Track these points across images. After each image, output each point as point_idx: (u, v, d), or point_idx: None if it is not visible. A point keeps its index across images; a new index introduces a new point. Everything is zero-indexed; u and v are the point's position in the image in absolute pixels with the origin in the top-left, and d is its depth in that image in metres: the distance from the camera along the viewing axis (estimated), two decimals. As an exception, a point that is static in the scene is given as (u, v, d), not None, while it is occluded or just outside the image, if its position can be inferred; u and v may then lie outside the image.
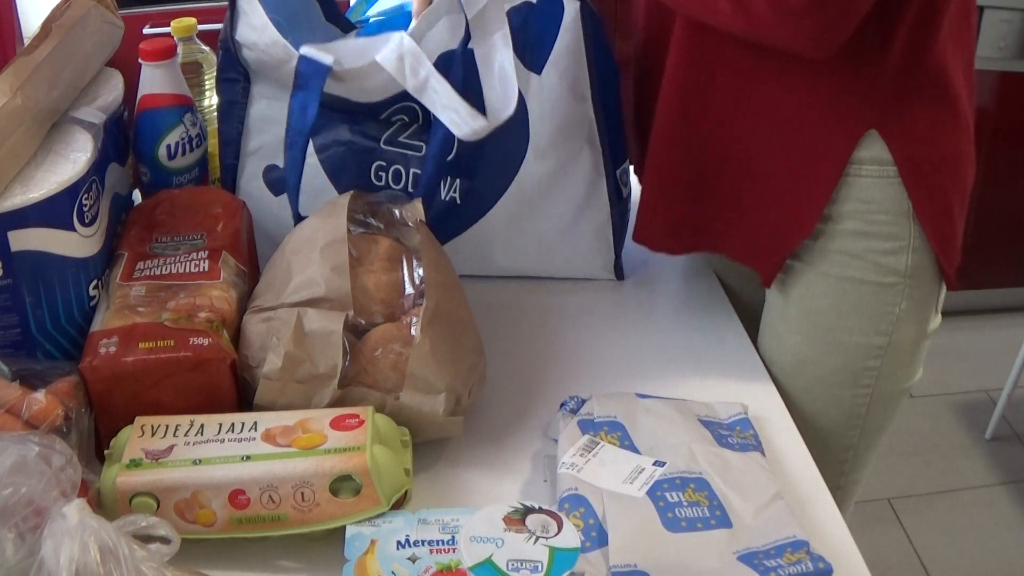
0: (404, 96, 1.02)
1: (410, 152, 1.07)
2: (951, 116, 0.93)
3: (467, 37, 1.01)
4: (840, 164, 0.93)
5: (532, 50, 1.05)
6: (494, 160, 1.07)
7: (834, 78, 0.90)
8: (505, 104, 0.99)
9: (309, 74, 1.00)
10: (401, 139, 1.08)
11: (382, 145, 1.08)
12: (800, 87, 0.92)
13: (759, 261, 1.02)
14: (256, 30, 1.02)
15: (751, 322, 1.10)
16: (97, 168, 0.91)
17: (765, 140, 0.95)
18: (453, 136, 1.03)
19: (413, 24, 1.02)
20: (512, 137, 1.06)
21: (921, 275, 0.97)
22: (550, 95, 1.06)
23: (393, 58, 0.97)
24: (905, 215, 0.94)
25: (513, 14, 1.03)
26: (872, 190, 0.93)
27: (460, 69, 1.02)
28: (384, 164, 1.08)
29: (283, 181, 1.09)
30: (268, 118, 1.09)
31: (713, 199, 1.01)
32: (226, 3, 1.04)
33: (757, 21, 0.84)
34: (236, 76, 1.08)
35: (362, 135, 1.08)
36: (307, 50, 1.00)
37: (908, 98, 0.91)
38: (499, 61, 1.01)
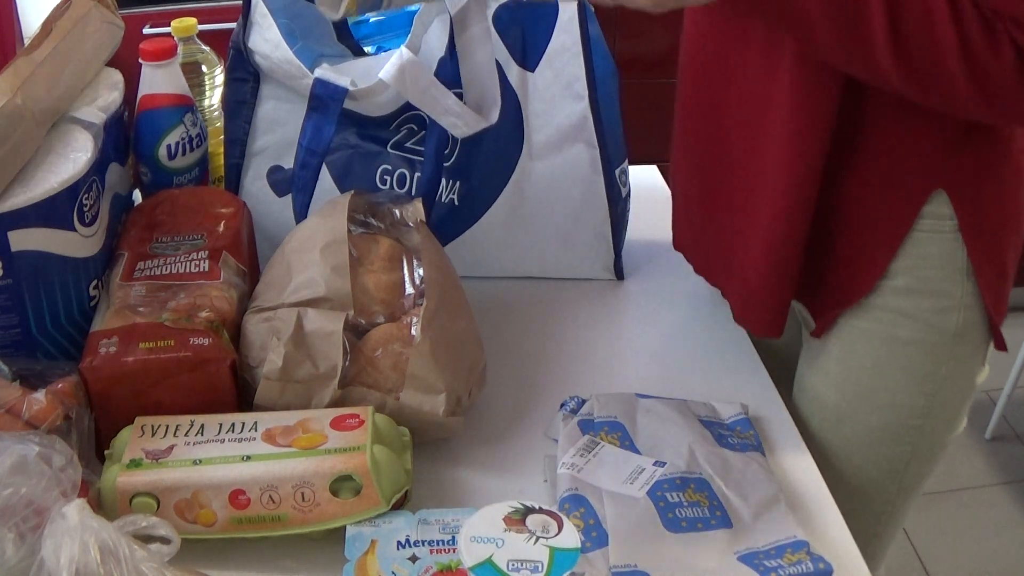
0: (412, 106, 1.03)
1: (416, 157, 1.08)
2: (1015, 175, 0.90)
3: (452, 36, 1.02)
4: (907, 222, 0.89)
5: (525, 47, 1.06)
6: (489, 160, 1.07)
7: (908, 136, 0.87)
8: (487, 98, 1.00)
9: (325, 97, 1.01)
10: (408, 144, 1.08)
11: (388, 149, 1.08)
12: (874, 144, 0.88)
13: (816, 307, 0.97)
14: (269, 44, 1.03)
15: (777, 368, 1.05)
16: (97, 168, 0.91)
17: (837, 189, 0.90)
18: (447, 135, 1.03)
19: (411, 33, 1.02)
20: (506, 136, 1.06)
21: (970, 333, 0.93)
22: (544, 93, 1.07)
23: (394, 72, 0.97)
24: (960, 272, 0.90)
25: (502, 11, 1.03)
26: (927, 245, 0.90)
27: (450, 70, 1.02)
28: (389, 168, 1.08)
29: (287, 183, 1.09)
30: (275, 119, 1.09)
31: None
32: (227, 3, 1.04)
33: (1001, 107, 0.78)
34: (246, 76, 1.08)
35: (370, 139, 1.08)
36: (323, 72, 1.01)
37: (977, 157, 0.87)
38: (479, 56, 1.01)
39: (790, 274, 0.93)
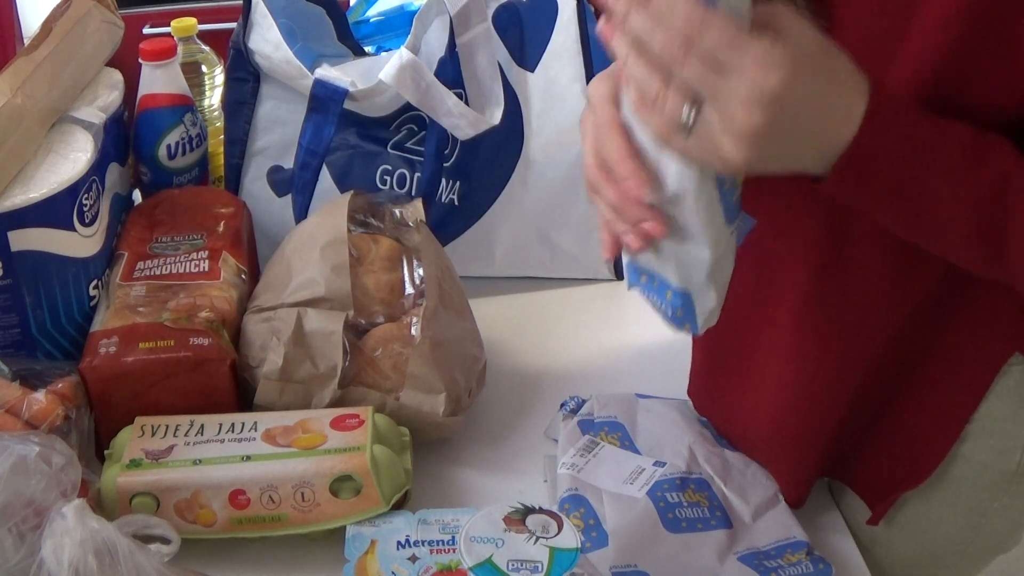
0: (412, 106, 1.03)
1: (416, 157, 1.08)
2: None
3: (452, 36, 1.02)
4: (978, 395, 0.78)
5: (525, 48, 1.06)
6: (489, 160, 1.07)
7: (986, 304, 0.75)
8: (489, 99, 1.00)
9: (325, 98, 1.01)
10: (408, 144, 1.08)
11: (388, 149, 1.08)
12: (947, 313, 0.75)
13: (868, 493, 0.86)
14: (270, 44, 1.03)
15: None
16: (97, 168, 0.91)
17: (898, 367, 0.79)
18: (447, 135, 1.03)
19: (411, 33, 1.02)
20: (505, 136, 1.06)
21: None
22: (544, 94, 1.07)
23: (394, 73, 0.97)
24: None
25: (501, 11, 1.03)
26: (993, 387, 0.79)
27: (450, 69, 1.02)
28: (389, 168, 1.08)
29: (287, 183, 1.09)
30: (276, 119, 1.09)
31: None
32: (227, 3, 1.04)
33: None
34: (246, 76, 1.08)
35: (370, 139, 1.08)
36: (323, 73, 1.01)
37: None
38: (481, 57, 1.01)
39: (808, 447, 0.82)
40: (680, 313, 0.68)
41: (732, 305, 0.71)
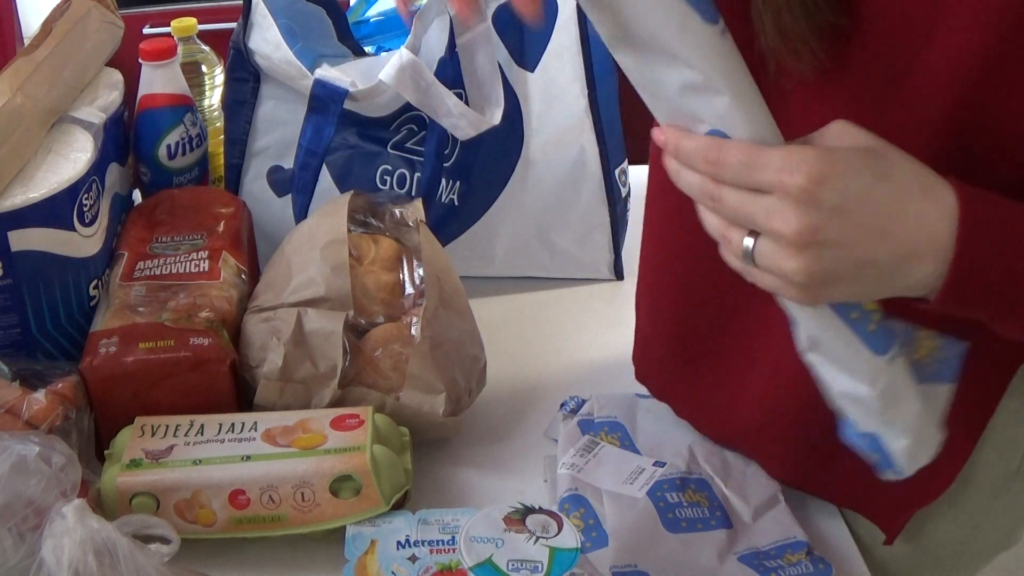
0: (412, 106, 1.03)
1: (416, 157, 1.08)
2: None
3: (452, 36, 1.02)
4: (991, 408, 0.76)
5: (524, 48, 1.06)
6: (489, 160, 1.07)
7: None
8: (490, 99, 1.00)
9: (325, 98, 1.01)
10: (408, 144, 1.08)
11: (388, 150, 1.08)
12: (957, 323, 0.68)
13: (879, 515, 0.83)
14: (269, 44, 1.03)
15: None
16: (97, 168, 0.91)
17: None
18: (447, 135, 1.03)
19: (411, 33, 1.02)
20: (505, 136, 1.06)
21: None
22: (543, 94, 1.06)
23: (394, 73, 0.98)
24: None
25: (501, 11, 1.03)
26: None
27: (450, 70, 1.02)
28: (389, 168, 1.08)
29: (287, 183, 1.09)
30: (276, 119, 1.09)
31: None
32: (227, 3, 1.04)
33: None
34: (246, 76, 1.08)
35: (370, 139, 1.08)
36: (322, 73, 1.01)
37: None
38: (481, 57, 1.01)
39: (803, 434, 0.79)
40: (877, 458, 0.66)
41: (713, 281, 0.72)
